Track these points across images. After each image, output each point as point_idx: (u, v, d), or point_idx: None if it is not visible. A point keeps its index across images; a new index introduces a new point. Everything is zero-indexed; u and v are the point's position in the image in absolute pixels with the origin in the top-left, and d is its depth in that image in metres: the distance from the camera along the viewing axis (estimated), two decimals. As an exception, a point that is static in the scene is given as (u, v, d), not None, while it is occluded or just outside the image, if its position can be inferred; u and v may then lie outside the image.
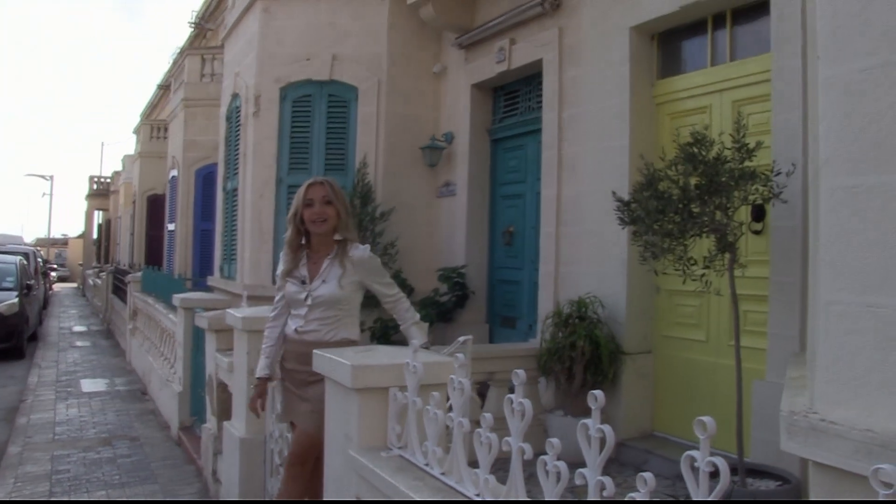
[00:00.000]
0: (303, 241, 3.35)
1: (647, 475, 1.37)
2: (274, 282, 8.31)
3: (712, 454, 1.31)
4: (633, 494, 1.40)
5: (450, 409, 2.15)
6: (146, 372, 9.12)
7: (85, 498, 4.91)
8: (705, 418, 1.26)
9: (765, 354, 4.67)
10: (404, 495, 2.11)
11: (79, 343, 13.76)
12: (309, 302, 3.24)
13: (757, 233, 4.95)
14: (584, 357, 5.49)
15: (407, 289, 8.05)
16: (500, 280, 8.10)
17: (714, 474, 1.29)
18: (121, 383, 9.38)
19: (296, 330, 3.28)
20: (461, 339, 3.20)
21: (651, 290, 5.91)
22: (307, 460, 3.24)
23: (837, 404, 1.91)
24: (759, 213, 4.86)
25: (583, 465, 1.57)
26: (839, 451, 1.78)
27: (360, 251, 3.30)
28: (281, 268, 3.38)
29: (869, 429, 1.74)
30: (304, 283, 3.27)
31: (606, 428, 1.48)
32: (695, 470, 1.31)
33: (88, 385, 9.22)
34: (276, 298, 3.42)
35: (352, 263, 3.26)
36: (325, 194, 3.24)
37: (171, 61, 20.66)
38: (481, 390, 6.03)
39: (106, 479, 5.33)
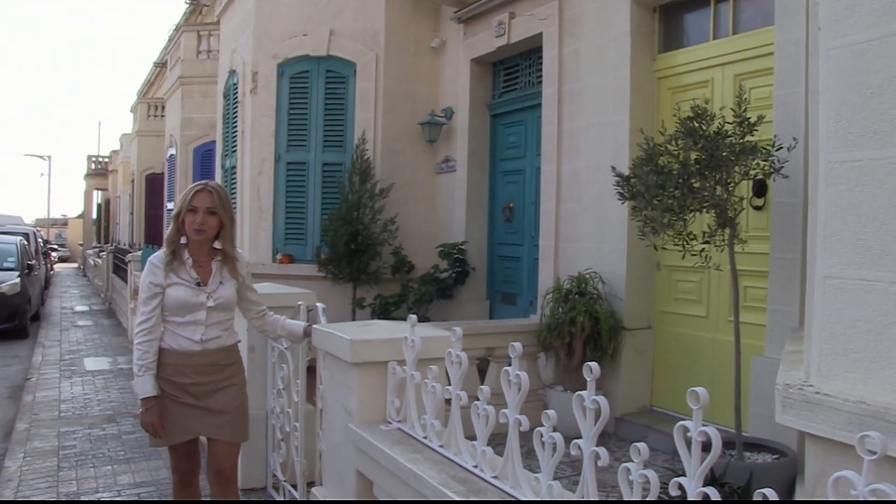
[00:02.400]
0: (182, 241, 3.15)
1: (641, 445, 1.38)
2: (273, 259, 8.39)
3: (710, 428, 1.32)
4: (627, 465, 1.41)
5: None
6: (148, 349, 9.15)
7: (92, 473, 4.96)
8: (698, 389, 1.27)
9: (764, 330, 4.69)
10: (403, 467, 2.13)
11: (81, 322, 13.79)
12: (210, 303, 3.08)
13: (758, 208, 4.94)
14: (583, 333, 5.51)
15: (407, 265, 8.07)
16: (500, 256, 8.11)
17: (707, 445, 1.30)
18: (123, 362, 9.41)
19: (200, 339, 3.08)
20: (300, 303, 3.59)
21: (651, 265, 5.91)
22: (237, 468, 3.23)
23: (833, 377, 1.92)
24: (760, 189, 4.85)
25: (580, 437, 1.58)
26: (833, 422, 1.80)
27: (242, 256, 3.28)
28: (161, 268, 3.06)
29: (862, 400, 1.76)
30: (198, 284, 3.09)
31: (601, 399, 1.49)
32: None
33: (91, 363, 9.25)
34: (150, 307, 3.03)
35: (240, 274, 3.22)
36: (211, 204, 3.07)
37: (168, 38, 20.51)
38: (481, 366, 6.06)
39: (111, 454, 5.38)
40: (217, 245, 3.20)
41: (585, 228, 6.31)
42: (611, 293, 5.87)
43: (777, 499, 1.18)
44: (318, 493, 3.06)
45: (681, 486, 1.31)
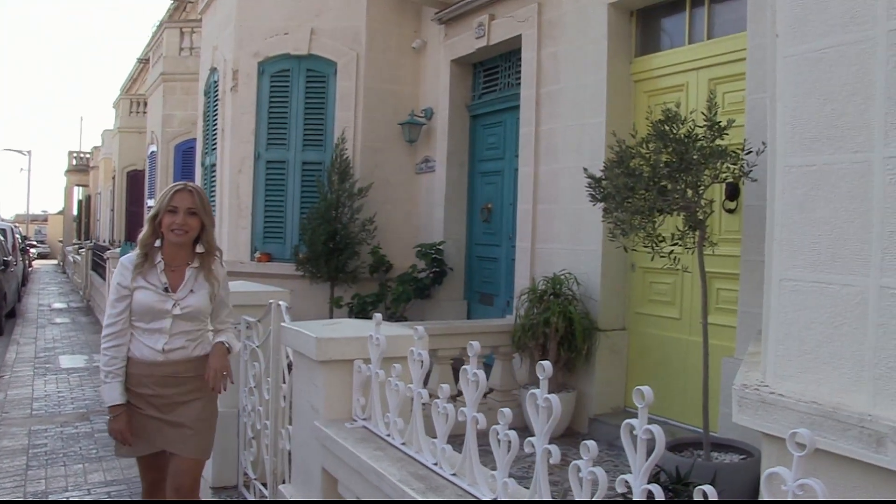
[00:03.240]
0: (157, 244, 3.03)
1: (591, 443, 1.40)
2: (251, 258, 8.37)
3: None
4: (577, 462, 1.43)
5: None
6: (124, 347, 9.08)
7: (62, 471, 4.92)
8: (643, 388, 1.30)
9: (735, 332, 4.73)
10: (365, 465, 2.14)
11: (58, 320, 13.66)
12: (176, 311, 2.95)
13: (731, 211, 5.00)
14: (557, 333, 5.54)
15: (385, 264, 8.07)
16: (478, 257, 8.13)
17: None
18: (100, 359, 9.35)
19: (162, 349, 2.94)
20: (272, 301, 3.59)
21: (626, 267, 5.96)
22: (198, 485, 3.09)
23: (787, 378, 1.96)
24: (733, 192, 4.90)
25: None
26: (785, 422, 1.83)
27: (220, 265, 3.14)
28: (130, 270, 2.96)
29: (814, 400, 1.79)
30: (166, 290, 2.96)
31: (553, 397, 1.51)
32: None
33: (67, 361, 9.17)
34: (118, 310, 2.94)
35: (216, 278, 3.09)
36: (192, 205, 2.96)
37: (151, 34, 20.36)
38: (456, 365, 6.07)
39: (83, 452, 5.33)
40: (199, 249, 3.07)
41: (561, 230, 6.34)
42: (585, 294, 5.91)
43: (717, 498, 1.20)
44: (285, 491, 3.07)
45: (627, 484, 1.33)
